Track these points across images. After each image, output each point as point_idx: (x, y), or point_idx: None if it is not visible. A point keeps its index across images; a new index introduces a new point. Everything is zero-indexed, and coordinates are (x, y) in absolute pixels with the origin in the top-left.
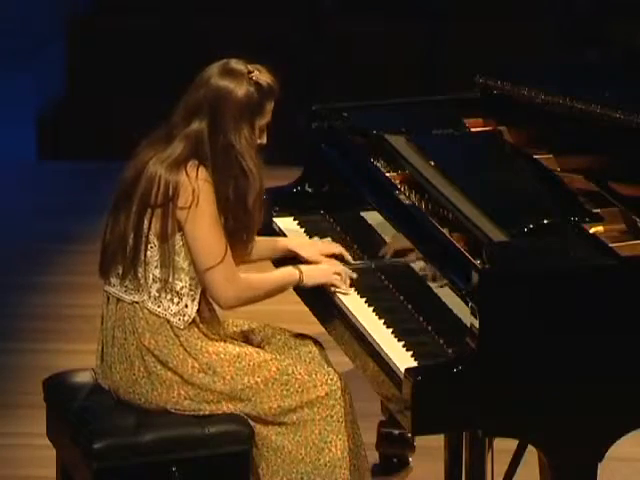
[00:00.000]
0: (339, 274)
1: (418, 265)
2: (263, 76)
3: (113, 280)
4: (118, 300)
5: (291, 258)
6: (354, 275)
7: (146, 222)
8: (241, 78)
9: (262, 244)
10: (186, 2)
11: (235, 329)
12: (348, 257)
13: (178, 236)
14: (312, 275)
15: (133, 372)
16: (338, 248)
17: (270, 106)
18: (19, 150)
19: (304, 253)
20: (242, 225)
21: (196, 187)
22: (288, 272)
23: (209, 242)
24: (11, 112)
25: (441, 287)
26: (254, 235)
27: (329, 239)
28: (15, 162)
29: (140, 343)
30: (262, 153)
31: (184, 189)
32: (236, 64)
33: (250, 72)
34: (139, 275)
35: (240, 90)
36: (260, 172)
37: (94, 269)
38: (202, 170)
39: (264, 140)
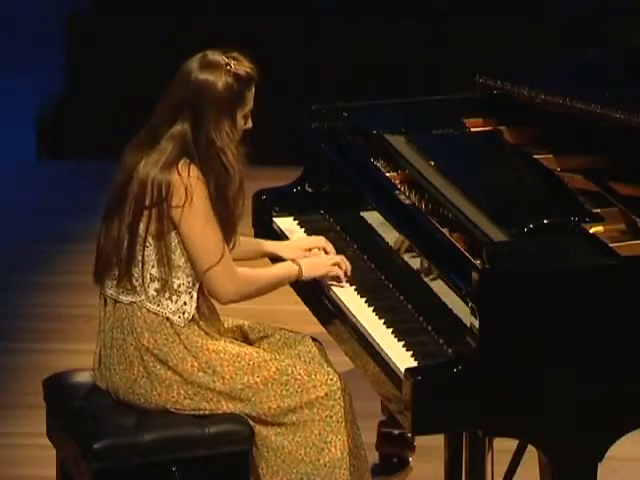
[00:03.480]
0: (338, 264)
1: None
2: (241, 65)
3: (109, 283)
4: (115, 302)
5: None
6: (349, 266)
7: (142, 224)
8: (219, 71)
9: (245, 246)
10: (186, 1)
11: (234, 328)
12: (331, 249)
13: (173, 234)
14: (311, 268)
15: (132, 372)
16: (320, 241)
17: (251, 94)
18: (19, 150)
19: (285, 255)
20: (223, 220)
21: (189, 185)
22: (287, 266)
23: (206, 240)
24: (11, 112)
25: (433, 281)
26: (236, 230)
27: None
28: (15, 162)
29: (139, 343)
30: (263, 153)
31: (177, 188)
32: (213, 56)
33: (227, 64)
34: (136, 276)
35: (219, 83)
36: (240, 167)
37: (93, 272)
38: (194, 168)
39: (249, 125)
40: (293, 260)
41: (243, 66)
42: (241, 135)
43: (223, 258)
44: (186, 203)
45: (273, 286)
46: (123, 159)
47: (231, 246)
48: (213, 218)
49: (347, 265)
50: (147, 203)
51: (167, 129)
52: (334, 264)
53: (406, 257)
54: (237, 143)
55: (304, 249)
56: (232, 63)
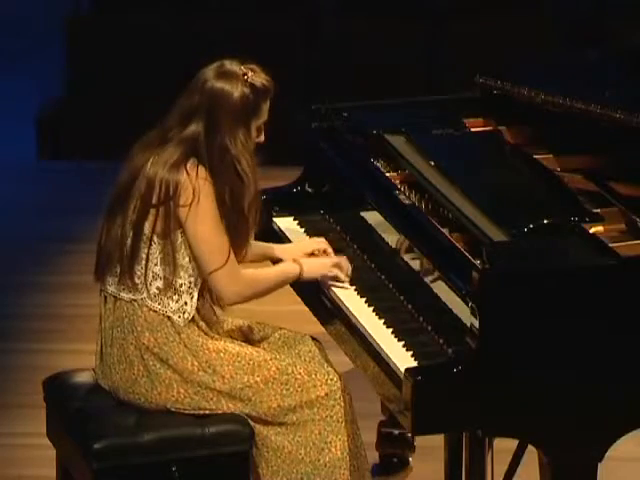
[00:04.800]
0: (339, 265)
1: (417, 262)
2: (257, 76)
3: (110, 280)
4: (116, 299)
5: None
6: (350, 268)
7: (147, 223)
8: (236, 80)
9: (254, 249)
10: (186, 1)
11: (234, 328)
12: (331, 252)
13: (178, 233)
14: (312, 268)
15: (132, 372)
16: (321, 244)
17: (266, 106)
18: (19, 150)
19: (287, 258)
20: (237, 229)
21: (196, 186)
22: (288, 266)
23: (212, 241)
24: (11, 112)
25: (434, 281)
26: (250, 239)
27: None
28: (15, 162)
29: (139, 342)
30: (262, 153)
31: (184, 188)
32: (230, 65)
33: (245, 74)
34: (138, 273)
35: (235, 93)
36: (255, 176)
37: (94, 269)
38: (202, 169)
39: (262, 138)
40: (294, 260)
41: (260, 77)
42: (254, 147)
43: (228, 261)
44: (193, 203)
45: (275, 286)
46: (130, 157)
47: (243, 254)
48: (220, 220)
49: (348, 265)
50: (154, 202)
51: (179, 132)
52: (334, 265)
53: (406, 257)
54: (252, 153)
55: (305, 253)
56: (249, 74)
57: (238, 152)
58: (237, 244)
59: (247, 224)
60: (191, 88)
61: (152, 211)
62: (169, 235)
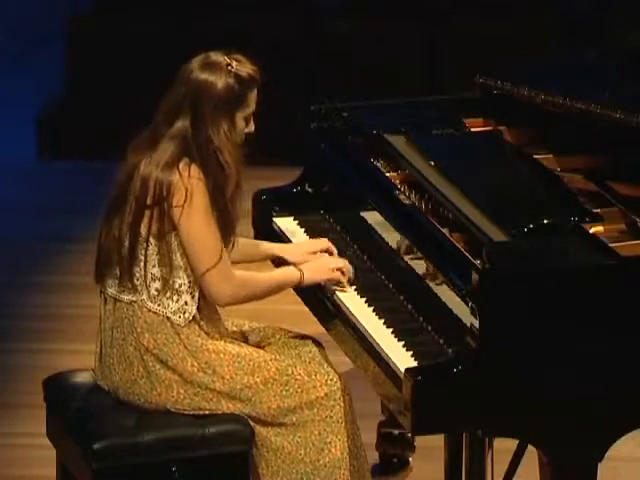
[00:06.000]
0: (340, 269)
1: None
2: (243, 66)
3: (110, 281)
4: (116, 301)
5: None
6: (351, 270)
7: (143, 224)
8: (220, 71)
9: (246, 248)
10: (185, 2)
11: (235, 329)
12: (334, 251)
13: (173, 234)
14: (313, 273)
15: (132, 373)
16: (324, 243)
17: (253, 95)
18: (19, 150)
19: (290, 257)
20: (221, 221)
21: (189, 186)
22: (288, 271)
23: (204, 241)
24: (11, 112)
25: (434, 281)
26: (234, 231)
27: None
28: (15, 162)
29: (139, 343)
30: (263, 153)
31: (177, 188)
32: (215, 56)
33: (229, 64)
34: (137, 275)
35: (219, 83)
36: (238, 167)
37: (94, 270)
38: (194, 168)
39: (251, 128)
40: (295, 265)
41: (245, 67)
42: (242, 138)
43: (220, 261)
44: (185, 203)
45: (272, 291)
46: (125, 158)
47: (230, 248)
48: (212, 220)
49: (350, 270)
50: (149, 202)
51: (168, 128)
52: (336, 269)
53: (406, 257)
54: (236, 144)
55: (310, 252)
56: (234, 64)
57: (221, 143)
58: (222, 237)
59: (231, 215)
60: (176, 81)
61: (147, 212)
62: (165, 236)
